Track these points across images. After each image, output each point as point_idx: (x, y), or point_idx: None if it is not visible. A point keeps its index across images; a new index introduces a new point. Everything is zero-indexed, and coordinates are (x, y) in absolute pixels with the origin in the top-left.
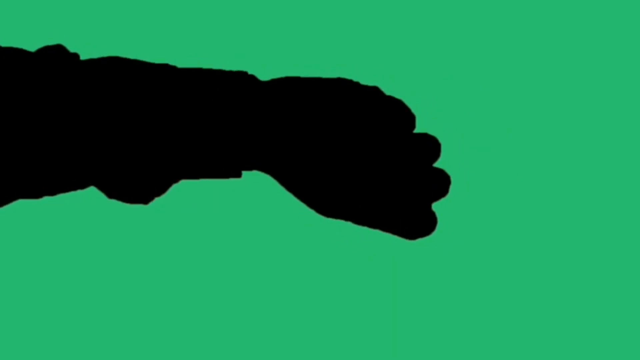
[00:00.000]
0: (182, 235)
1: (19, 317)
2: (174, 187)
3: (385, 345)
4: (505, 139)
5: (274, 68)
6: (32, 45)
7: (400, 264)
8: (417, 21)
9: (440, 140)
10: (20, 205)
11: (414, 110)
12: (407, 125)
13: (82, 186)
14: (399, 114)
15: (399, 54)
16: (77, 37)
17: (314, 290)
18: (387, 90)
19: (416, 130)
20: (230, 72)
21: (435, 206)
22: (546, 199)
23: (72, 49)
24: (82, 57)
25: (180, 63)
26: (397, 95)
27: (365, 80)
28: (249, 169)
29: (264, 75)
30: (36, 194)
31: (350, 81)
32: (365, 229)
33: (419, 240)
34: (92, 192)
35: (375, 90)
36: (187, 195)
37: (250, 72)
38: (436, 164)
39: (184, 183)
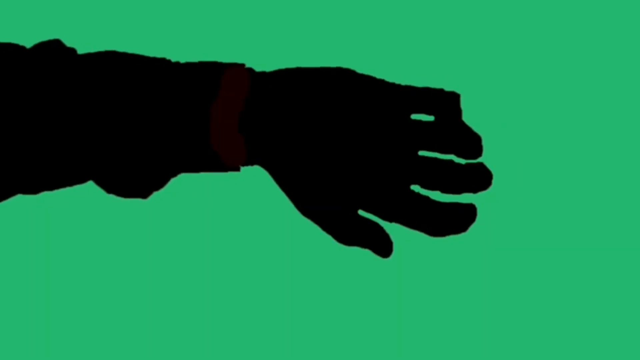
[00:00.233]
0: (181, 229)
1: (19, 310)
2: (173, 182)
3: (387, 346)
4: (509, 138)
5: (274, 66)
6: (29, 40)
7: (400, 264)
8: (417, 21)
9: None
10: (19, 200)
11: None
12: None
13: (81, 181)
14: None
15: (399, 53)
16: (74, 32)
17: (314, 289)
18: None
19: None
20: (229, 64)
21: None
22: (548, 198)
23: (69, 43)
24: (79, 52)
25: (179, 58)
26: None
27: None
28: (248, 163)
29: (262, 68)
30: (35, 189)
31: (350, 70)
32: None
33: (419, 240)
34: (91, 186)
35: (372, 80)
36: (185, 189)
37: (248, 65)
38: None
39: (182, 177)
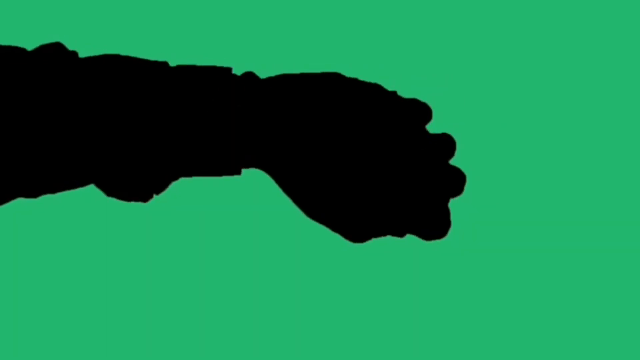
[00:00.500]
0: (181, 233)
1: (19, 314)
2: (173, 185)
3: (392, 347)
4: (513, 138)
5: (274, 66)
6: (30, 43)
7: (400, 264)
8: (416, 21)
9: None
10: (20, 204)
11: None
12: (415, 121)
13: (82, 184)
14: (403, 109)
15: (399, 53)
16: (76, 35)
17: (316, 291)
18: (393, 89)
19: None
20: (230, 69)
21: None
22: (555, 198)
23: (70, 47)
24: (81, 55)
25: (179, 61)
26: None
27: (366, 78)
28: (249, 166)
29: (263, 74)
30: (35, 192)
31: (351, 78)
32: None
33: (418, 240)
34: (91, 190)
35: (376, 87)
36: (186, 193)
37: (249, 70)
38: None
39: (183, 181)
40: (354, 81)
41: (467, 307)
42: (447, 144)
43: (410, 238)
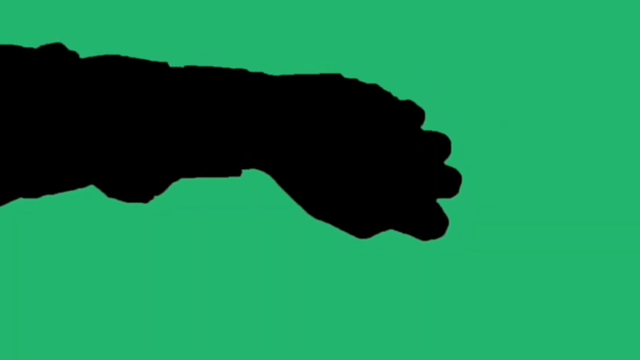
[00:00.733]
0: (181, 234)
1: (19, 316)
2: (173, 186)
3: (383, 347)
4: (512, 137)
5: (274, 67)
6: (31, 43)
7: (400, 265)
8: (417, 21)
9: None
10: (20, 204)
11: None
12: (413, 122)
13: (82, 185)
14: (401, 110)
15: (399, 54)
16: (76, 35)
17: (316, 292)
18: (391, 89)
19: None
20: (230, 70)
21: (446, 206)
22: (552, 196)
23: (71, 47)
24: (82, 56)
25: (180, 62)
26: (396, 93)
27: (367, 79)
28: (249, 167)
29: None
30: (36, 193)
31: (351, 79)
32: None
33: (419, 240)
34: (92, 190)
35: (375, 88)
36: (186, 194)
37: (250, 70)
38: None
39: (183, 182)
40: (353, 82)
41: (466, 307)
42: (442, 144)
43: (409, 237)
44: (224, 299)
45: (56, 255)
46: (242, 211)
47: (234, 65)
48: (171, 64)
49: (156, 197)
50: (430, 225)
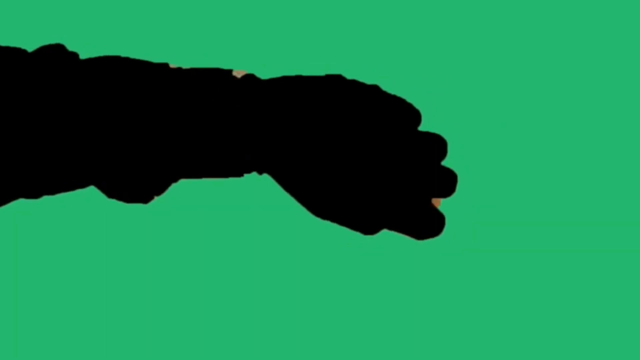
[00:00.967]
0: (182, 234)
1: (19, 317)
2: (174, 187)
3: (384, 347)
4: (506, 139)
5: (274, 67)
6: (31, 44)
7: (400, 264)
8: (416, 21)
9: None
10: (20, 205)
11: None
12: (411, 122)
13: (82, 186)
14: (401, 111)
15: (399, 54)
16: (77, 36)
17: (315, 292)
18: (389, 90)
19: (421, 129)
20: (231, 71)
21: (443, 206)
22: (552, 196)
23: (71, 48)
24: (82, 57)
25: (180, 62)
26: (397, 93)
27: (366, 79)
28: (249, 168)
29: (263, 75)
30: (36, 194)
31: (352, 80)
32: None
33: (427, 240)
34: (92, 191)
35: (375, 89)
36: (186, 194)
37: (250, 72)
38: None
39: (183, 182)
40: (354, 83)
41: (465, 307)
42: (438, 144)
43: (409, 238)
44: (225, 300)
45: (57, 256)
46: (242, 212)
47: (234, 66)
48: (172, 65)
49: (156, 198)
50: (427, 224)
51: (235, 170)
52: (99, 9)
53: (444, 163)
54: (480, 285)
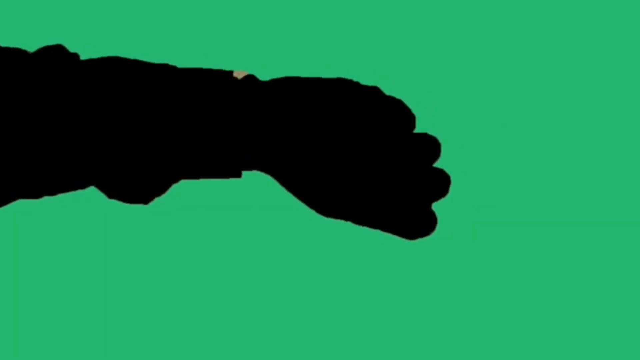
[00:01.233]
0: (183, 235)
1: (19, 317)
2: (174, 187)
3: (384, 347)
4: (505, 139)
5: (274, 68)
6: (32, 45)
7: (400, 264)
8: (416, 21)
9: (440, 140)
10: (20, 205)
11: (414, 111)
12: (407, 125)
13: (82, 186)
14: (398, 113)
15: (399, 54)
16: (77, 37)
17: (314, 291)
18: (387, 91)
19: (416, 131)
20: (231, 72)
21: (436, 206)
22: (547, 198)
23: (72, 49)
24: (82, 57)
25: (180, 63)
26: (396, 95)
27: (365, 80)
28: (249, 169)
29: (264, 75)
30: (36, 194)
31: (350, 81)
32: (365, 229)
33: (419, 240)
34: (92, 192)
35: (375, 90)
36: (187, 195)
37: (250, 72)
38: (436, 164)
39: (183, 183)
40: (353, 84)
41: (462, 307)
42: (432, 146)
43: (396, 239)
44: (225, 300)
45: (57, 257)
46: (242, 212)
47: (235, 67)
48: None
49: (157, 199)
50: (418, 225)
51: (235, 171)
52: (99, 9)
53: (438, 164)
54: (475, 285)
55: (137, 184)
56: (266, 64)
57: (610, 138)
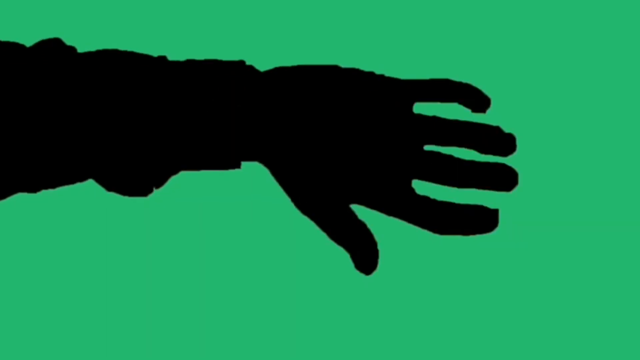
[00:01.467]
0: (181, 226)
1: (19, 309)
2: (173, 179)
3: (383, 346)
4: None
5: (273, 61)
6: (29, 39)
7: (397, 264)
8: (416, 20)
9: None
10: (20, 199)
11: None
12: (404, 101)
13: (81, 179)
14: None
15: (399, 53)
16: (74, 30)
17: (313, 287)
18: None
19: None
20: (229, 63)
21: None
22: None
23: (69, 42)
24: (79, 51)
25: (178, 56)
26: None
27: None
28: (249, 160)
29: (262, 67)
30: (35, 187)
31: (348, 70)
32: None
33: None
34: (91, 184)
35: (370, 75)
36: (186, 187)
37: (248, 63)
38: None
39: (183, 175)
40: (352, 72)
41: (461, 306)
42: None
43: (403, 235)
44: (223, 290)
45: (56, 249)
46: (241, 204)
47: (231, 57)
48: (170, 58)
49: (156, 191)
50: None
51: (234, 161)
52: (96, 3)
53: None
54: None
55: (135, 177)
56: (265, 54)
57: (609, 137)
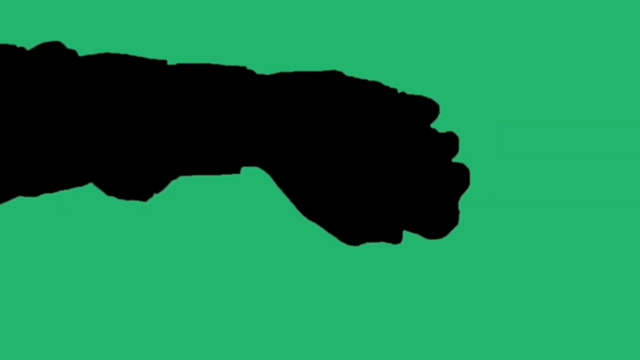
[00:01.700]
0: (181, 231)
1: (18, 312)
2: (173, 184)
3: (384, 347)
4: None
5: (274, 65)
6: (30, 42)
7: (394, 264)
8: (417, 20)
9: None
10: (20, 203)
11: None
12: (421, 119)
13: (81, 183)
14: (409, 107)
15: (399, 53)
16: (75, 34)
17: (313, 289)
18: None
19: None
20: (230, 67)
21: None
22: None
23: (69, 45)
24: (80, 54)
25: (179, 59)
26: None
27: (368, 77)
28: (248, 165)
29: (264, 72)
30: (35, 191)
31: (351, 77)
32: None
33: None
34: (91, 189)
35: (377, 86)
36: (185, 191)
37: (249, 68)
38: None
39: (182, 179)
40: (354, 80)
41: (460, 307)
42: (450, 141)
43: (406, 238)
44: (223, 295)
45: (56, 253)
46: (241, 209)
47: (232, 63)
48: (170, 62)
49: (155, 195)
50: (438, 223)
51: (233, 167)
52: (97, 7)
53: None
54: (473, 284)
55: (135, 181)
56: (264, 59)
57: (608, 137)
